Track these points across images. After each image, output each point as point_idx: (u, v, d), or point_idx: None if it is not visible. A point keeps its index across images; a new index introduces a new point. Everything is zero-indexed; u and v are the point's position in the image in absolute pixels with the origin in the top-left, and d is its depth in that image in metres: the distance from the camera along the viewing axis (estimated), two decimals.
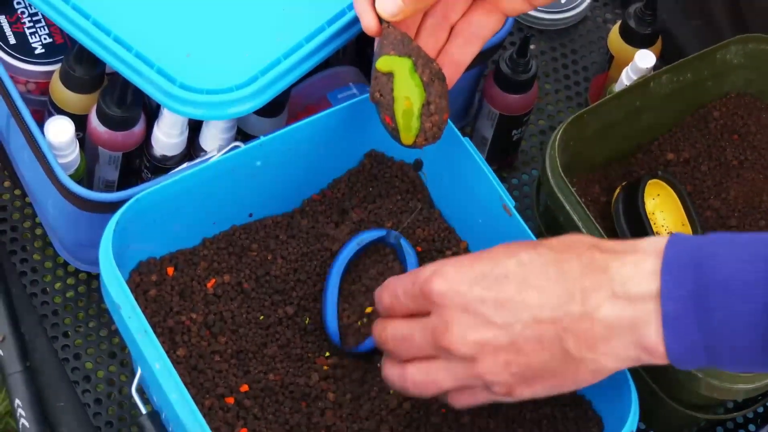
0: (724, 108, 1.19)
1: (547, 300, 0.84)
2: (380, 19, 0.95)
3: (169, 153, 1.08)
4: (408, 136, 0.96)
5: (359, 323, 1.00)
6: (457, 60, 0.99)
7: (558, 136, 1.05)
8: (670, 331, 0.81)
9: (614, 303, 0.82)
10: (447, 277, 0.86)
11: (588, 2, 1.36)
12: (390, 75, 0.95)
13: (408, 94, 0.95)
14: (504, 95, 1.16)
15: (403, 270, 1.02)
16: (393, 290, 0.91)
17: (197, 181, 0.98)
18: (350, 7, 1.03)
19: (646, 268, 0.82)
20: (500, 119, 1.18)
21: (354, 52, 1.20)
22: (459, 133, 1.02)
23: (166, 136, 1.07)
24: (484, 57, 1.15)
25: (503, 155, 1.23)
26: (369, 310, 1.00)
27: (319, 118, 1.02)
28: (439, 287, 0.86)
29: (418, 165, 1.06)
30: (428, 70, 0.95)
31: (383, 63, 0.95)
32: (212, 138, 1.07)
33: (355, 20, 1.02)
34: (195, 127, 1.09)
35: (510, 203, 1.00)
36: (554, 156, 1.04)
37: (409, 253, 1.02)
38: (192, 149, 1.10)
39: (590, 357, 0.84)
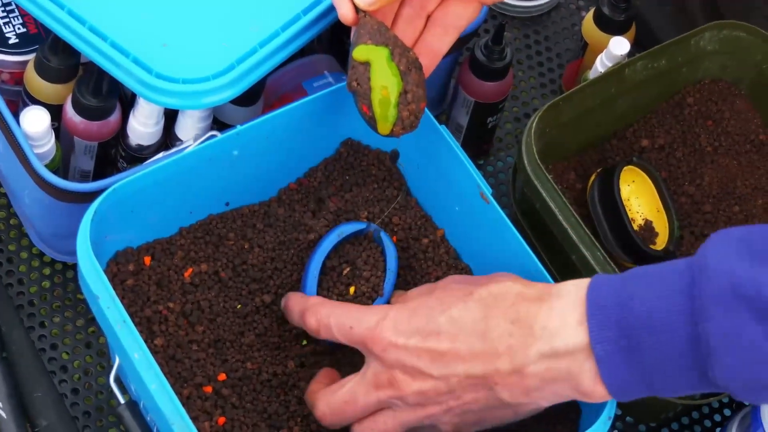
0: (698, 94, 1.20)
1: (476, 357, 0.87)
2: (357, 9, 0.95)
3: (145, 143, 1.08)
4: (385, 126, 0.96)
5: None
6: (434, 49, 0.99)
7: (534, 124, 1.06)
8: (606, 373, 0.83)
9: (542, 360, 0.85)
10: (385, 333, 0.90)
11: None
12: (367, 64, 0.95)
13: (385, 83, 0.95)
14: (479, 83, 1.17)
15: (384, 259, 1.02)
16: (325, 321, 0.94)
17: (174, 170, 0.98)
18: None
19: (572, 320, 0.84)
20: (475, 107, 1.18)
21: (329, 41, 1.20)
22: (436, 122, 1.02)
23: (142, 126, 1.07)
24: (459, 44, 1.15)
25: (478, 143, 1.23)
26: (352, 290, 1.00)
27: (295, 106, 1.02)
28: (380, 342, 0.90)
29: (394, 156, 1.06)
30: (405, 59, 0.95)
31: (360, 52, 0.95)
32: (188, 127, 1.07)
33: (331, 9, 1.02)
34: (170, 116, 1.09)
35: (487, 191, 1.00)
36: (530, 143, 1.05)
37: (389, 247, 1.02)
38: (168, 138, 1.09)
39: (526, 401, 0.88)
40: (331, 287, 1.01)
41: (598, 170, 1.14)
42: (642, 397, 0.85)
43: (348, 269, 1.01)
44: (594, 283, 0.85)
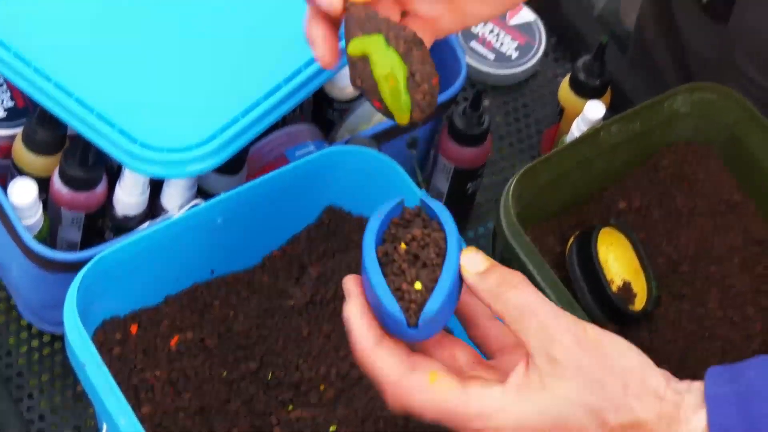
0: (673, 156, 1.22)
1: None
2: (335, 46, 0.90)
3: (131, 213, 1.10)
4: (402, 116, 0.89)
5: (414, 293, 0.86)
6: (428, 18, 0.93)
7: (512, 187, 1.08)
8: None
9: None
10: (505, 424, 0.81)
11: (538, 58, 1.39)
12: (365, 58, 0.89)
13: (388, 71, 0.88)
14: (458, 148, 1.19)
15: (443, 233, 0.87)
16: (419, 412, 0.82)
17: (159, 239, 0.99)
18: (307, 65, 1.05)
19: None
20: (455, 172, 1.21)
21: (311, 110, 1.23)
22: (414, 184, 1.04)
23: (128, 196, 1.09)
24: (438, 112, 1.18)
25: (459, 208, 1.25)
26: (418, 286, 0.87)
27: (277, 174, 1.04)
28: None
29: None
30: (402, 40, 0.88)
31: (354, 47, 0.88)
32: (173, 197, 1.09)
33: (312, 78, 1.05)
34: (156, 186, 1.11)
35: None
36: (509, 207, 1.07)
37: (442, 211, 0.87)
38: (153, 209, 1.11)
39: None
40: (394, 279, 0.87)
41: (576, 233, 1.16)
42: None
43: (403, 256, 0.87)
44: (711, 400, 0.80)
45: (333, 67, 0.90)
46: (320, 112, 1.23)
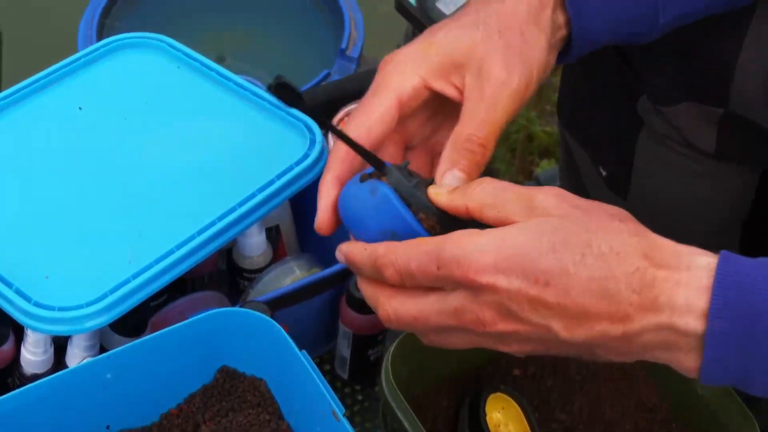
0: None
1: (586, 318, 0.81)
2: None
3: (38, 371, 1.16)
4: None
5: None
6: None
7: (391, 354, 1.11)
8: (706, 372, 0.81)
9: (656, 332, 0.81)
10: (483, 273, 0.82)
11: None
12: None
13: None
14: (356, 316, 1.24)
15: None
16: (407, 268, 0.85)
17: (47, 392, 1.04)
18: (200, 232, 1.12)
19: (698, 306, 0.80)
20: (355, 339, 1.26)
21: (219, 278, 1.29)
22: (296, 348, 1.09)
23: (32, 354, 1.15)
24: (338, 280, 1.24)
25: (364, 374, 1.30)
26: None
27: (166, 333, 1.09)
28: (475, 282, 0.82)
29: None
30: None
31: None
32: (76, 356, 1.15)
33: (205, 244, 1.11)
34: (64, 346, 1.17)
35: (339, 410, 1.06)
36: (388, 372, 1.10)
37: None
38: (60, 367, 1.17)
39: (616, 359, 0.85)
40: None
41: (468, 398, 1.20)
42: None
43: None
44: (720, 275, 0.80)
45: (325, 233, 0.94)
46: (232, 280, 1.29)
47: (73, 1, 1.84)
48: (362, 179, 0.89)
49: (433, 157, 0.98)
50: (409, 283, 0.85)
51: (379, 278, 0.87)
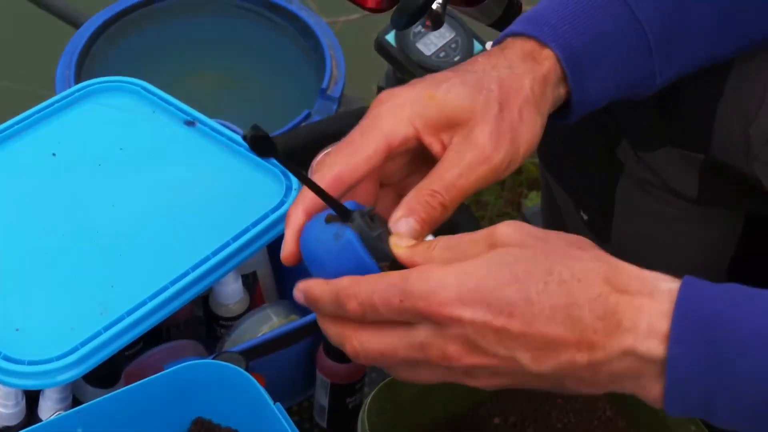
0: None
1: (551, 347, 0.81)
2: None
3: (9, 423, 1.14)
4: None
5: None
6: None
7: (367, 405, 1.10)
8: (669, 401, 0.81)
9: (622, 360, 0.80)
10: (446, 305, 0.81)
11: None
12: None
13: None
14: (333, 365, 1.23)
15: None
16: (370, 301, 0.83)
17: None
18: (173, 282, 1.10)
19: (659, 329, 0.80)
20: (333, 388, 1.24)
21: (195, 326, 1.27)
22: (269, 399, 1.07)
23: (3, 407, 1.13)
24: (314, 329, 1.22)
25: (344, 422, 1.28)
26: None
27: (139, 386, 1.07)
28: (439, 315, 0.81)
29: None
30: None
31: None
32: (47, 409, 1.13)
33: (176, 296, 1.10)
34: (36, 398, 1.15)
35: None
36: (365, 423, 1.09)
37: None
38: (33, 420, 1.15)
39: (586, 390, 0.84)
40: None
41: None
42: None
43: None
44: (682, 299, 0.80)
45: (290, 264, 0.93)
46: (209, 327, 1.27)
47: (51, 40, 1.83)
48: (327, 220, 0.89)
49: (399, 198, 0.96)
50: (371, 317, 0.84)
51: (340, 314, 0.86)
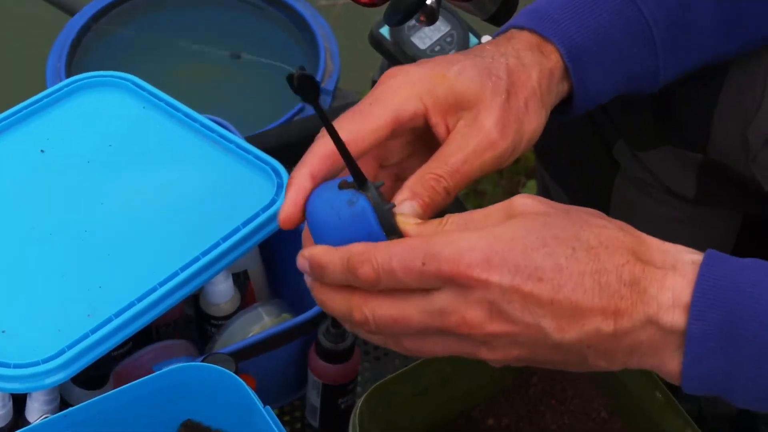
0: (542, 373, 1.24)
1: (579, 314, 0.79)
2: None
3: None
4: None
5: None
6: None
7: (359, 409, 1.08)
8: (687, 378, 0.80)
9: (646, 329, 0.80)
10: (474, 267, 0.78)
11: None
12: None
13: None
14: (325, 365, 1.21)
15: None
16: (387, 266, 0.80)
17: None
18: (162, 283, 1.09)
19: (682, 302, 0.79)
20: (324, 389, 1.22)
21: (186, 326, 1.26)
22: (259, 403, 1.06)
23: None
24: (308, 328, 1.21)
25: (336, 423, 1.27)
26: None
27: (128, 388, 1.05)
28: (465, 277, 0.78)
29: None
30: None
31: None
32: (35, 411, 1.11)
33: (165, 297, 1.08)
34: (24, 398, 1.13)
35: None
36: (356, 428, 1.07)
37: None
38: (20, 422, 1.13)
39: (604, 365, 0.82)
40: None
41: None
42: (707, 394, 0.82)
43: None
44: (707, 271, 0.80)
45: (287, 228, 0.89)
46: (200, 326, 1.26)
47: (41, 33, 1.81)
48: (341, 186, 0.86)
49: (396, 181, 0.95)
50: (385, 283, 0.81)
51: (348, 281, 0.82)
